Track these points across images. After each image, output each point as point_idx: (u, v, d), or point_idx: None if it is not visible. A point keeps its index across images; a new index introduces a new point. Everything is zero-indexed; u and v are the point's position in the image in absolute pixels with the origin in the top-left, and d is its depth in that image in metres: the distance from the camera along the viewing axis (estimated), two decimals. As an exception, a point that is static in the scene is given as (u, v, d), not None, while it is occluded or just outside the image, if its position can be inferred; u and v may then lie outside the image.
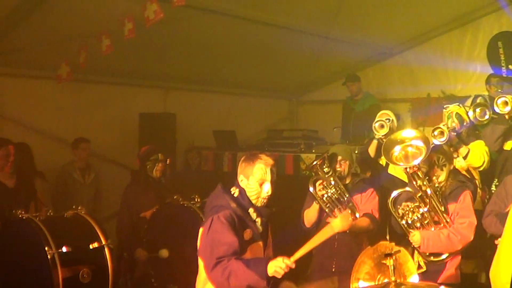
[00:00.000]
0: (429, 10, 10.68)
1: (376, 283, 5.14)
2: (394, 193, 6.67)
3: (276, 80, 13.44)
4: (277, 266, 4.54)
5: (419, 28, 11.73)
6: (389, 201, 6.66)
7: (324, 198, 7.01)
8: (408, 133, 6.68)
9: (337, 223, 6.67)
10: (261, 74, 12.58)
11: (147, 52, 10.27)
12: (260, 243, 4.97)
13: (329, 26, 9.90)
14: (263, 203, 4.99)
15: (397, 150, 6.58)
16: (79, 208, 6.84)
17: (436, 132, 7.42)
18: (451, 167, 6.75)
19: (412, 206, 6.55)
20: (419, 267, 6.46)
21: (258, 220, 4.96)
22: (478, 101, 8.43)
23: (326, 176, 7.09)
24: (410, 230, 6.56)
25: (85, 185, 10.10)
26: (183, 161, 12.04)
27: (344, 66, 12.91)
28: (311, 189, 7.02)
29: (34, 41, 9.09)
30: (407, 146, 6.55)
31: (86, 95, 11.01)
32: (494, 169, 8.19)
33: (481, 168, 7.93)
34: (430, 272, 6.41)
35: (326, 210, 7.04)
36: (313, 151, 10.51)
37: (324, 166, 7.12)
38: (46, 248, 6.03)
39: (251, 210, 4.94)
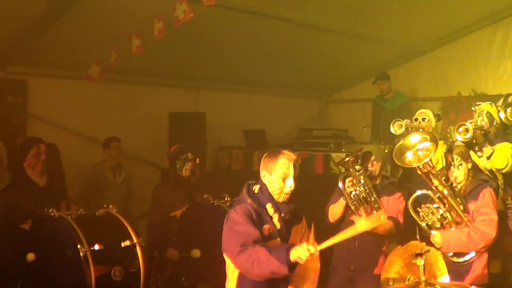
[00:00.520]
0: (460, 7, 10.61)
1: (407, 283, 5.13)
2: (414, 195, 6.67)
3: (306, 79, 13.42)
4: (301, 252, 4.53)
5: (449, 26, 11.65)
6: (409, 203, 6.66)
7: (352, 195, 6.99)
8: (415, 138, 6.73)
9: (362, 222, 6.67)
10: (291, 73, 12.57)
11: (177, 52, 10.31)
12: (278, 240, 4.92)
13: (359, 25, 9.87)
14: (285, 198, 4.97)
15: (409, 155, 6.62)
16: (110, 206, 6.88)
17: (461, 129, 7.36)
18: (469, 166, 6.70)
19: (432, 207, 6.53)
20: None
21: (275, 216, 4.94)
22: (509, 100, 8.32)
23: (357, 173, 7.07)
24: (431, 231, 6.53)
25: (116, 184, 10.16)
26: (213, 161, 12.07)
27: (374, 64, 12.86)
28: (340, 184, 7.01)
29: (65, 41, 9.16)
30: (417, 150, 6.56)
31: (116, 95, 11.07)
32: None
33: (504, 171, 7.77)
34: (457, 273, 6.35)
35: (352, 207, 7.02)
36: (343, 150, 10.49)
37: (357, 164, 7.11)
38: (78, 246, 6.06)
39: (268, 206, 4.94)
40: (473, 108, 8.25)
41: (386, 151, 9.43)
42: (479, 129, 7.66)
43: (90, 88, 10.28)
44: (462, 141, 7.23)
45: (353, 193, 7.00)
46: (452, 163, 6.63)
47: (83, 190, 9.96)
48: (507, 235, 7.13)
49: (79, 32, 9.02)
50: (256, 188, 5.02)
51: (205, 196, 7.77)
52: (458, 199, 6.50)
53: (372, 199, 7.05)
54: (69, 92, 10.50)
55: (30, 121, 10.05)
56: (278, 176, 4.92)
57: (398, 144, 6.88)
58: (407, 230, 7.20)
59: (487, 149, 7.67)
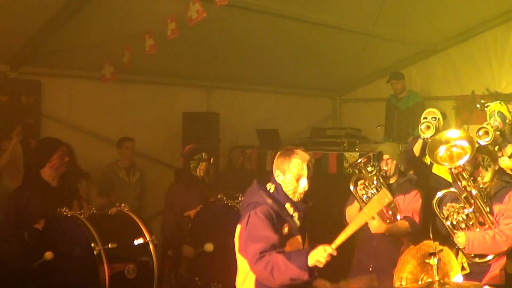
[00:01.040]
0: (473, 6, 10.56)
1: (420, 283, 5.11)
2: (439, 194, 6.59)
3: (319, 79, 13.42)
4: (318, 255, 4.52)
5: (463, 25, 11.60)
6: (434, 201, 6.57)
7: (364, 199, 6.96)
8: (453, 133, 6.56)
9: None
10: (304, 73, 12.56)
11: (190, 52, 10.32)
12: (299, 237, 4.94)
13: (372, 24, 9.84)
14: (299, 198, 4.97)
15: (442, 151, 6.46)
16: (123, 205, 6.90)
17: (480, 132, 7.29)
18: (496, 167, 6.61)
19: (457, 207, 6.43)
20: (463, 268, 6.35)
21: (295, 214, 4.94)
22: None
23: (369, 175, 7.04)
24: (455, 231, 6.45)
25: (130, 184, 10.19)
26: (227, 160, 12.08)
27: (387, 63, 12.84)
28: (351, 187, 6.99)
29: (78, 41, 9.20)
30: (452, 147, 6.44)
31: (129, 95, 11.11)
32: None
33: None
34: (474, 273, 6.32)
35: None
36: (356, 149, 10.47)
37: (369, 165, 7.07)
38: (92, 245, 6.08)
39: (287, 205, 4.93)
40: (477, 105, 8.20)
41: (400, 150, 9.43)
42: (495, 130, 7.63)
43: (104, 88, 10.32)
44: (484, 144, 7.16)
45: (365, 196, 6.97)
46: (482, 164, 6.54)
47: (97, 190, 9.98)
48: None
49: (92, 32, 9.06)
50: (271, 188, 5.00)
51: (219, 196, 7.76)
52: (484, 200, 6.43)
53: (386, 201, 7.04)
54: (83, 92, 10.54)
55: (43, 121, 10.09)
56: (292, 176, 4.91)
57: (433, 138, 6.82)
58: (419, 231, 7.17)
59: (508, 149, 7.63)
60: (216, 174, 10.31)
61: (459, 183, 6.43)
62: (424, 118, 8.56)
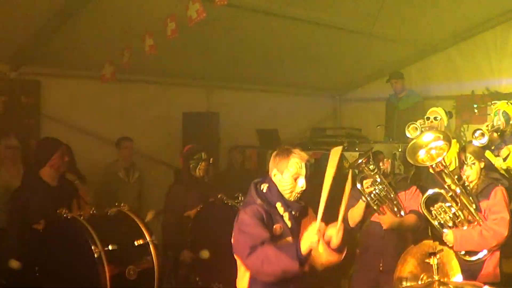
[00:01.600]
0: (473, 5, 10.57)
1: (420, 282, 5.12)
2: (426, 194, 6.65)
3: (319, 78, 13.43)
4: (309, 237, 4.51)
5: (462, 24, 11.61)
6: (421, 202, 6.65)
7: (372, 195, 7.00)
8: (427, 137, 6.69)
9: (386, 220, 6.70)
10: (304, 73, 12.57)
11: (190, 52, 10.32)
12: (289, 239, 4.89)
13: (372, 24, 9.85)
14: (296, 197, 4.97)
15: (422, 154, 6.59)
16: (122, 205, 6.89)
17: (476, 134, 7.34)
18: (482, 165, 6.66)
19: (445, 206, 6.52)
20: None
21: (286, 214, 4.92)
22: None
23: (372, 173, 7.07)
24: (443, 230, 6.51)
25: (129, 184, 10.19)
26: (227, 160, 12.08)
27: (387, 63, 12.85)
28: (358, 186, 7.02)
29: (78, 42, 9.19)
30: (430, 149, 6.55)
31: (129, 94, 11.11)
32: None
33: None
34: (468, 272, 6.33)
35: (375, 207, 7.03)
36: (357, 149, 10.46)
37: (370, 164, 7.11)
38: (92, 247, 6.07)
39: (278, 205, 4.92)
40: (475, 106, 8.21)
41: (400, 150, 9.45)
42: (495, 130, 7.65)
43: (104, 88, 10.30)
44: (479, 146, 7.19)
45: (373, 192, 7.02)
46: (465, 162, 6.61)
47: (96, 190, 9.97)
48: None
49: (92, 32, 9.05)
50: (264, 187, 5.00)
51: (219, 196, 7.75)
52: (470, 198, 6.49)
53: (392, 195, 7.07)
54: (82, 92, 10.54)
55: (43, 121, 10.09)
56: (290, 175, 4.91)
57: (411, 143, 6.87)
58: (419, 230, 7.19)
59: (504, 151, 7.65)
60: (216, 174, 10.31)
61: (443, 182, 6.48)
62: (427, 118, 8.57)
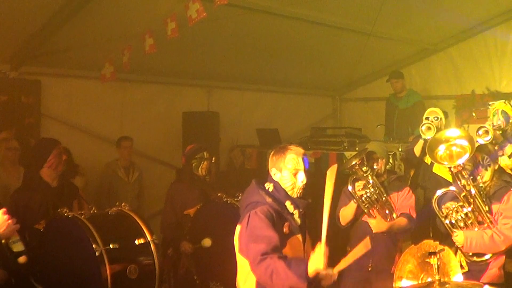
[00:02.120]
0: (473, 5, 10.57)
1: (420, 282, 5.12)
2: (438, 192, 6.58)
3: (319, 78, 13.43)
4: (316, 261, 4.48)
5: (463, 24, 11.59)
6: (433, 200, 6.58)
7: (363, 198, 7.00)
8: (453, 132, 6.55)
9: (375, 224, 6.68)
10: (305, 72, 12.58)
11: (190, 51, 10.33)
12: (299, 236, 4.93)
13: (372, 23, 9.84)
14: (299, 193, 4.97)
15: (441, 149, 6.45)
16: (123, 204, 6.89)
17: (480, 131, 7.31)
18: (496, 167, 6.60)
19: (456, 205, 6.45)
20: (461, 267, 6.37)
21: (296, 212, 4.94)
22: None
23: (365, 175, 7.06)
24: (454, 230, 6.46)
25: (129, 183, 10.20)
26: (227, 160, 12.08)
27: (387, 63, 12.86)
28: (350, 188, 7.01)
29: (78, 41, 9.21)
30: (451, 146, 6.43)
31: (129, 94, 11.13)
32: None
33: None
34: (473, 272, 6.32)
35: (365, 210, 7.03)
36: (357, 149, 10.44)
37: (363, 166, 7.10)
38: (93, 246, 6.07)
39: (288, 203, 4.92)
40: (473, 114, 8.19)
41: (400, 149, 9.45)
42: (496, 129, 7.63)
43: (103, 88, 10.32)
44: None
45: (364, 196, 7.01)
46: (481, 163, 6.55)
47: (96, 189, 9.98)
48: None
49: (92, 32, 9.06)
50: (270, 187, 5.00)
51: (218, 194, 7.76)
52: (483, 200, 6.44)
53: (383, 198, 7.05)
54: (82, 92, 10.55)
55: (43, 121, 10.08)
56: (289, 172, 4.93)
57: (432, 137, 6.81)
58: (420, 229, 7.18)
59: (508, 148, 7.63)
60: (216, 174, 10.31)
61: (458, 182, 6.43)
62: (426, 118, 8.56)
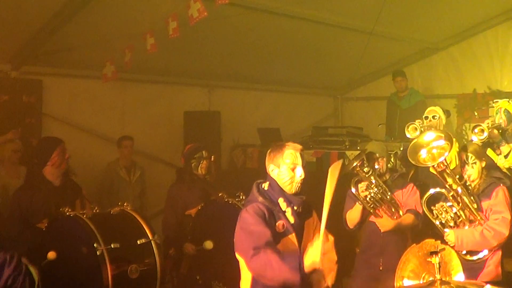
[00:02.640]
0: (475, 4, 10.57)
1: (421, 281, 5.11)
2: (428, 194, 6.63)
3: (321, 77, 13.43)
4: (312, 254, 4.49)
5: (464, 23, 11.61)
6: (423, 201, 6.63)
7: (368, 199, 6.98)
8: (429, 136, 6.65)
9: (383, 223, 6.67)
10: (306, 71, 12.57)
11: (191, 51, 10.33)
12: (293, 235, 4.91)
13: (373, 22, 9.84)
14: (298, 188, 4.98)
15: (423, 153, 6.54)
16: (125, 204, 6.89)
17: (476, 130, 7.34)
18: (483, 164, 6.62)
19: (446, 205, 6.50)
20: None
21: (288, 210, 4.94)
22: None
23: (367, 176, 7.06)
24: (445, 229, 6.50)
25: (130, 183, 10.19)
26: (228, 159, 12.08)
27: (389, 62, 12.86)
28: (353, 190, 7.00)
29: (79, 41, 9.21)
30: (431, 148, 6.51)
31: (131, 94, 11.12)
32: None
33: None
34: (470, 270, 6.32)
35: (371, 210, 7.02)
36: (358, 148, 10.44)
37: (364, 167, 7.09)
38: (95, 245, 6.08)
39: (281, 200, 4.94)
40: (476, 114, 8.18)
41: (401, 148, 9.44)
42: (496, 127, 7.63)
43: (105, 88, 10.32)
44: (479, 142, 7.19)
45: (369, 196, 7.00)
46: (466, 162, 6.58)
47: (98, 189, 9.98)
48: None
49: (93, 31, 9.06)
50: (265, 185, 5.03)
51: (220, 194, 7.76)
52: (471, 198, 6.46)
53: (388, 197, 7.05)
54: (84, 92, 10.55)
55: (45, 121, 10.08)
56: (287, 167, 4.95)
57: (412, 142, 6.85)
58: (421, 229, 7.18)
59: (505, 148, 7.64)
60: (217, 173, 10.30)
61: (444, 181, 6.47)
62: (425, 117, 8.56)
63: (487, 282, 5.55)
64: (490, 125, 7.61)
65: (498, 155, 7.61)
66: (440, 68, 12.67)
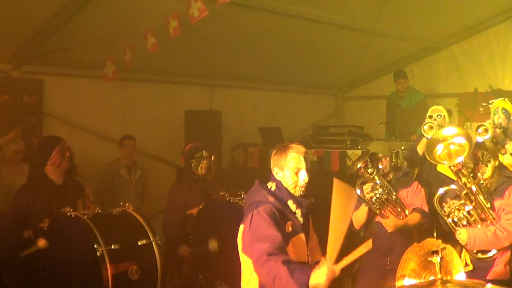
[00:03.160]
0: (475, 3, 10.57)
1: (422, 281, 5.10)
2: (440, 191, 6.59)
3: (321, 77, 13.42)
4: (320, 278, 4.44)
5: (465, 22, 11.60)
6: (435, 199, 6.58)
7: (373, 200, 6.98)
8: (450, 131, 6.57)
9: (389, 223, 6.65)
10: (307, 71, 12.56)
11: (192, 50, 10.32)
12: (302, 235, 4.91)
13: (374, 22, 9.82)
14: (301, 192, 4.96)
15: (439, 149, 6.46)
16: (127, 204, 6.88)
17: (480, 130, 7.29)
18: (496, 163, 6.58)
19: (458, 203, 6.45)
20: (466, 265, 6.39)
21: (298, 211, 4.93)
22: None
23: (371, 177, 7.05)
24: (457, 228, 6.47)
25: (131, 182, 10.18)
26: (229, 158, 12.08)
27: (389, 61, 12.85)
28: (358, 191, 6.96)
29: (80, 40, 9.19)
30: (449, 144, 6.43)
31: (131, 93, 11.12)
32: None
33: None
34: (479, 269, 6.33)
35: (377, 211, 7.01)
36: (359, 147, 10.44)
37: (368, 168, 7.08)
38: (95, 246, 6.08)
39: (290, 202, 4.92)
40: (484, 104, 8.16)
41: (403, 147, 9.43)
42: (497, 127, 7.61)
43: (106, 87, 10.31)
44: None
45: (374, 198, 6.99)
46: (481, 160, 6.54)
47: (98, 188, 9.98)
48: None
49: (94, 31, 9.05)
50: (272, 186, 4.99)
51: (221, 193, 7.76)
52: (485, 196, 6.43)
53: (393, 197, 7.04)
54: (85, 91, 10.54)
55: (45, 120, 10.08)
56: (290, 171, 4.92)
57: (430, 137, 6.80)
58: (426, 227, 7.17)
59: (509, 146, 7.61)
60: (218, 172, 10.30)
61: (459, 180, 6.43)
62: (429, 117, 8.53)
63: (488, 281, 5.56)
64: (492, 124, 7.58)
65: (503, 154, 7.57)
66: (441, 67, 12.67)
